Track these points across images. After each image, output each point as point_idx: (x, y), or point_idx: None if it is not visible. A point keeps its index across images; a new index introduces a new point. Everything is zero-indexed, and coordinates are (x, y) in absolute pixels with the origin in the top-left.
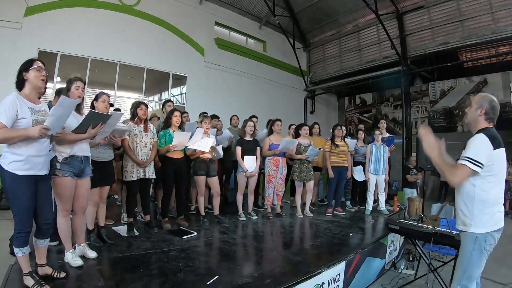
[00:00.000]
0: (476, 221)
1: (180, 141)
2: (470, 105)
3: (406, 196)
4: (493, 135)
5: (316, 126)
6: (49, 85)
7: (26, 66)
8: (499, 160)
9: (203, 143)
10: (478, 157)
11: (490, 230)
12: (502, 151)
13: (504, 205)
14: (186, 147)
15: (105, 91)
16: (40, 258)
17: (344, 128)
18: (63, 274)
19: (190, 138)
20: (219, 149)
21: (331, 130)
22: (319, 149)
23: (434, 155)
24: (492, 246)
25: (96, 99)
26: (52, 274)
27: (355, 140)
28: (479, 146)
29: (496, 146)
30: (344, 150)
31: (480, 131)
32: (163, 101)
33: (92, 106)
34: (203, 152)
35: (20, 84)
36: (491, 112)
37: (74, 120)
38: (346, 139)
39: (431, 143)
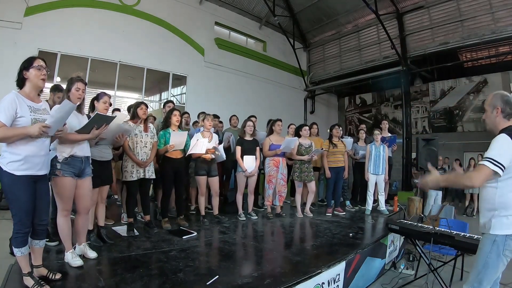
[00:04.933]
0: (495, 223)
1: (177, 141)
2: (485, 110)
3: (431, 198)
4: None
5: (315, 126)
6: (48, 85)
7: (27, 64)
8: None
9: (199, 145)
10: (499, 158)
11: (510, 232)
12: None
13: None
14: (186, 145)
15: (105, 91)
16: (36, 259)
17: (340, 128)
18: (58, 276)
19: (190, 138)
20: (221, 149)
21: (328, 130)
22: (322, 149)
23: (439, 180)
24: None
25: (97, 99)
26: (47, 276)
27: (351, 139)
28: (501, 147)
29: None
30: (341, 150)
31: (502, 131)
32: (163, 101)
33: (93, 104)
34: (207, 152)
35: (20, 82)
36: (507, 107)
37: (75, 120)
38: (342, 138)
39: (429, 181)
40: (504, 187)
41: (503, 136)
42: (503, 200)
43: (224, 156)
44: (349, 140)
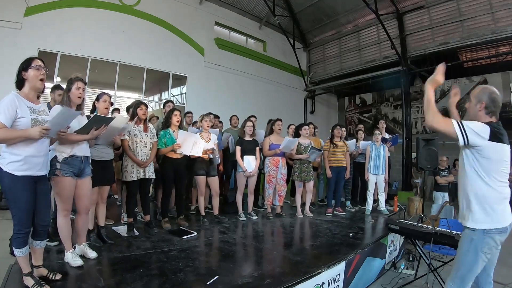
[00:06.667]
0: (474, 216)
1: (184, 140)
2: (470, 100)
3: (437, 202)
4: (496, 129)
5: (312, 126)
6: (48, 85)
7: (25, 65)
8: (494, 155)
9: (195, 147)
10: (468, 129)
11: (488, 227)
12: (501, 147)
13: None
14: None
15: (105, 91)
16: (37, 260)
17: (343, 129)
18: (58, 276)
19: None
20: (216, 153)
21: (330, 130)
22: (320, 150)
23: (430, 88)
24: (491, 249)
25: (97, 99)
26: (47, 276)
27: (354, 140)
28: (474, 124)
29: (493, 138)
30: (342, 150)
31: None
32: (163, 101)
33: (94, 106)
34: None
35: (19, 83)
36: (492, 105)
37: (75, 120)
38: (345, 141)
39: (436, 78)
40: (490, 183)
41: (483, 124)
42: (486, 195)
43: (219, 160)
44: (351, 142)
